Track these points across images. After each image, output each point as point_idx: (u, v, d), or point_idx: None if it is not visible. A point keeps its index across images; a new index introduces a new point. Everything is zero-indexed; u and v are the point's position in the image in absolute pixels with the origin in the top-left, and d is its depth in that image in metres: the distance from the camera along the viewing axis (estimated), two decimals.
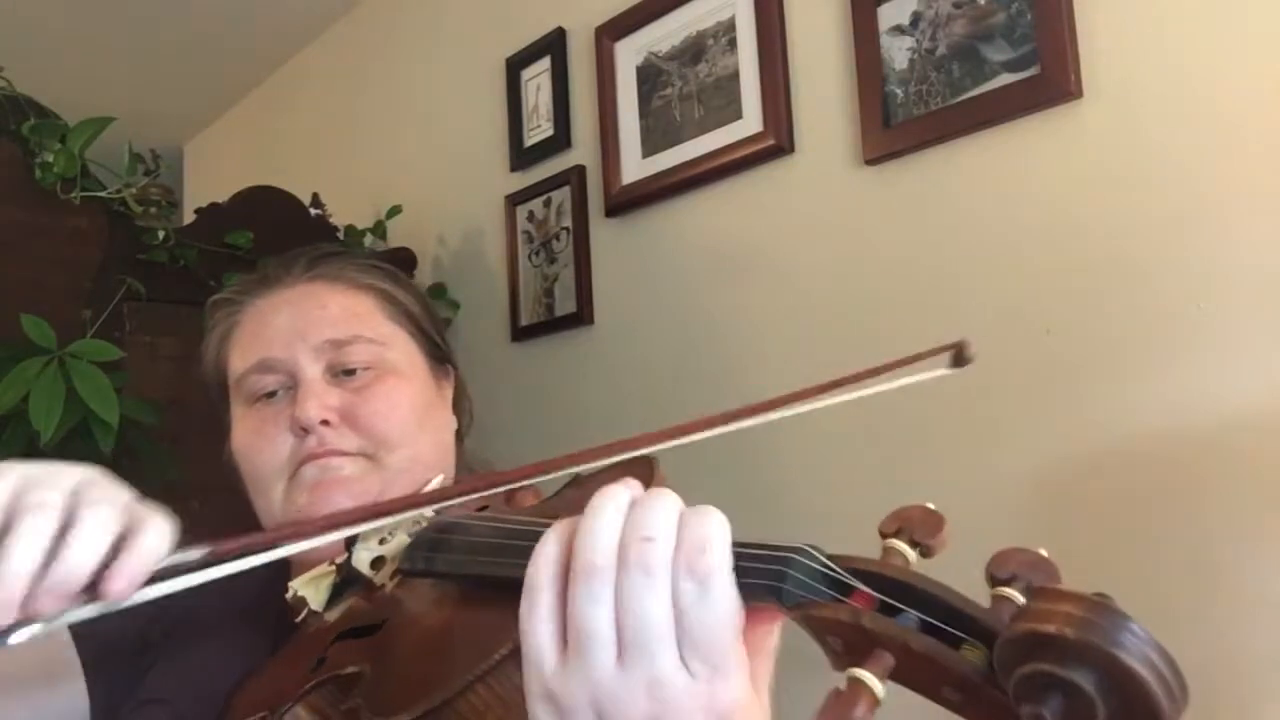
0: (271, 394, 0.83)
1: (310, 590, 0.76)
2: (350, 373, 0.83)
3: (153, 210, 1.88)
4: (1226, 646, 1.11)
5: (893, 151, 1.45)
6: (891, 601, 0.42)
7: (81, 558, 0.48)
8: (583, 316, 1.93)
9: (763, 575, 0.44)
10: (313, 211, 2.31)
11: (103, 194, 1.82)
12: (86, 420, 1.59)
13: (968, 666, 0.40)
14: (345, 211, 2.35)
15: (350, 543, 0.73)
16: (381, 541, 0.72)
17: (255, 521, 0.84)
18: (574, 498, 0.69)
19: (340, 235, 2.27)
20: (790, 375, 1.60)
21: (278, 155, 3.00)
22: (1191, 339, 1.17)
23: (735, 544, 0.45)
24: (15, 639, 0.48)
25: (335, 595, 0.77)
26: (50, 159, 1.74)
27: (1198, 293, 1.17)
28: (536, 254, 2.06)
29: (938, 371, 0.68)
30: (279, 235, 2.04)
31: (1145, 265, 1.22)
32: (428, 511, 0.70)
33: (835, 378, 0.62)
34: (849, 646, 0.42)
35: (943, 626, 0.41)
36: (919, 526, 0.46)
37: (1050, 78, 1.28)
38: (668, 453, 0.64)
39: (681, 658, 0.43)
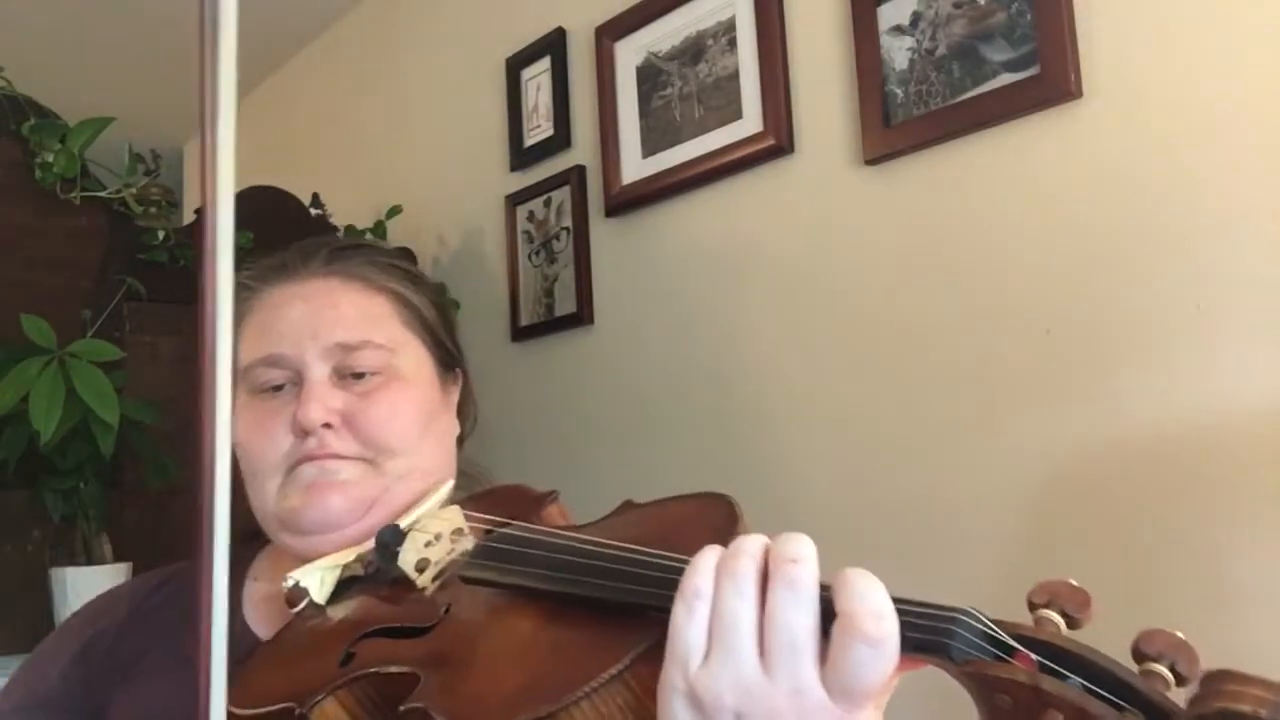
0: (277, 387, 0.82)
1: (313, 581, 0.75)
2: (358, 376, 0.82)
3: (153, 210, 1.88)
4: (1226, 645, 1.11)
5: (893, 151, 1.45)
6: (1054, 666, 0.45)
7: None
8: (583, 316, 1.93)
9: (930, 631, 0.47)
10: (313, 211, 2.31)
11: (103, 194, 1.82)
12: (86, 420, 1.59)
13: None
14: (345, 211, 2.35)
15: (382, 543, 0.72)
16: (428, 544, 0.72)
17: (248, 509, 0.83)
18: (649, 522, 0.69)
19: (340, 235, 2.27)
20: (790, 374, 1.60)
21: (278, 155, 3.00)
22: (1191, 339, 1.17)
23: (898, 600, 0.48)
24: None
25: (339, 590, 0.76)
26: (50, 159, 1.74)
27: (1197, 292, 1.17)
28: (536, 254, 2.06)
29: None
30: (279, 235, 2.03)
31: (1145, 265, 1.22)
32: (458, 517, 0.70)
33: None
34: (1019, 706, 0.45)
35: (1106, 694, 0.44)
36: (1068, 600, 0.49)
37: (1050, 78, 1.28)
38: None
39: (826, 685, 0.47)
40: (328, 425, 0.79)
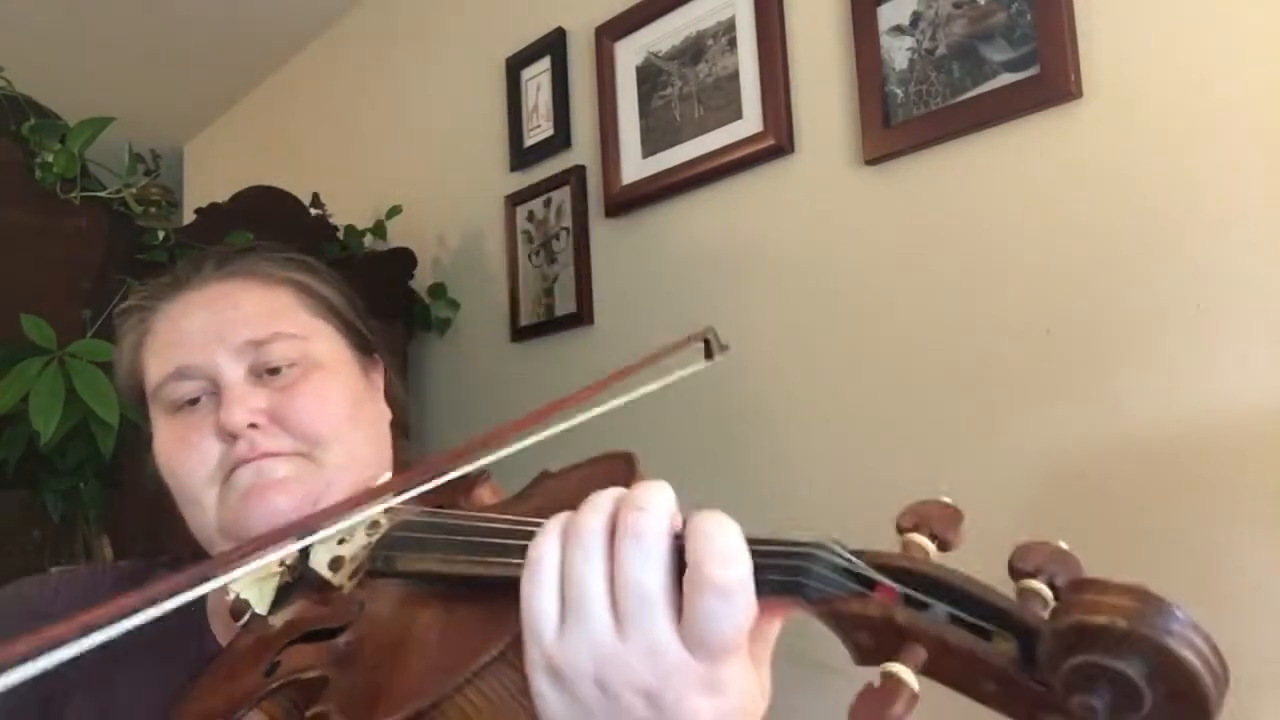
0: (194, 401, 0.78)
1: (254, 592, 0.72)
2: (274, 371, 0.78)
3: (153, 210, 1.88)
4: (1225, 645, 1.11)
5: (893, 151, 1.45)
6: (918, 595, 0.42)
7: None
8: (583, 316, 1.93)
9: (783, 571, 0.44)
10: (313, 211, 2.31)
11: (103, 194, 1.82)
12: (86, 420, 1.59)
13: (1003, 659, 0.40)
14: (345, 211, 2.35)
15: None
16: (340, 542, 0.69)
17: (185, 529, 0.81)
18: (551, 493, 0.67)
19: (340, 235, 2.27)
20: (790, 374, 1.60)
21: (278, 155, 3.00)
22: (1191, 339, 1.17)
23: (752, 540, 0.45)
24: None
25: (280, 597, 0.73)
26: (50, 159, 1.74)
27: (1197, 292, 1.17)
28: (536, 254, 2.06)
29: (694, 367, 0.68)
30: (279, 235, 2.02)
31: (1145, 265, 1.22)
32: (377, 510, 0.67)
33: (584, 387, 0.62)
34: (879, 642, 0.42)
35: (973, 620, 0.41)
36: (937, 521, 0.46)
37: (1050, 78, 1.28)
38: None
39: (683, 639, 0.44)
40: (254, 426, 0.76)
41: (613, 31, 1.89)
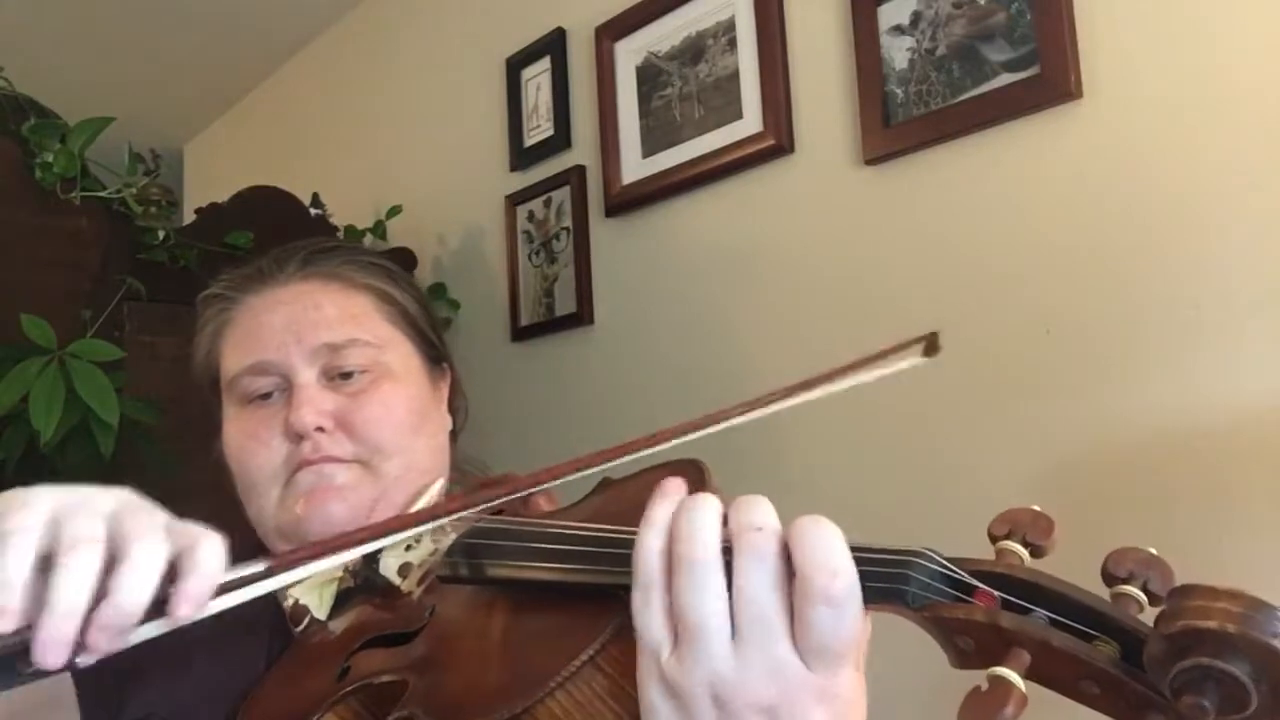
0: (266, 395, 0.81)
1: (313, 598, 0.74)
2: (347, 376, 0.81)
3: (153, 210, 1.88)
4: None
5: (893, 151, 1.45)
6: (1017, 600, 0.43)
7: (137, 595, 0.47)
8: (583, 316, 1.93)
9: (886, 579, 0.45)
10: (313, 211, 2.31)
11: (103, 194, 1.82)
12: (86, 420, 1.59)
13: (1107, 661, 0.41)
14: (345, 211, 2.35)
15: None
16: (408, 548, 0.70)
17: (244, 521, 0.82)
18: (620, 498, 0.67)
19: (340, 235, 2.27)
20: (790, 375, 1.60)
21: (278, 155, 3.00)
22: (1190, 339, 1.17)
23: (854, 548, 0.46)
24: (82, 661, 0.47)
25: (339, 603, 0.75)
26: (50, 159, 1.74)
27: (1197, 293, 1.17)
28: (536, 254, 2.06)
29: (911, 361, 0.69)
30: (279, 235, 2.03)
31: (1145, 265, 1.22)
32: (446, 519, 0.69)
33: (811, 376, 0.63)
34: (982, 646, 0.43)
35: (1075, 624, 0.42)
36: (1030, 527, 0.48)
37: (1050, 78, 1.28)
38: (661, 459, 0.64)
39: (800, 653, 0.45)
40: (321, 429, 0.78)
41: (613, 31, 1.89)
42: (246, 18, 2.68)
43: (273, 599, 0.83)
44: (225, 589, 0.50)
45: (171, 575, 0.48)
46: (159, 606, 0.48)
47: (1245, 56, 1.15)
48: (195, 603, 0.48)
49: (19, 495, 0.49)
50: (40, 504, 0.48)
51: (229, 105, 3.26)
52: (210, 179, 3.28)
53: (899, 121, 1.44)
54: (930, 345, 0.66)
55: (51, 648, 0.45)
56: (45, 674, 0.46)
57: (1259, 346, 1.13)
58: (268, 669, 0.75)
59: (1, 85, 1.77)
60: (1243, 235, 1.14)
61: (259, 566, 0.52)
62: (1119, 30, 1.25)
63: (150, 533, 0.49)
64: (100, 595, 0.46)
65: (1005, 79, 1.33)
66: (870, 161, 1.48)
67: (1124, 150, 1.24)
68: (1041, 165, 1.31)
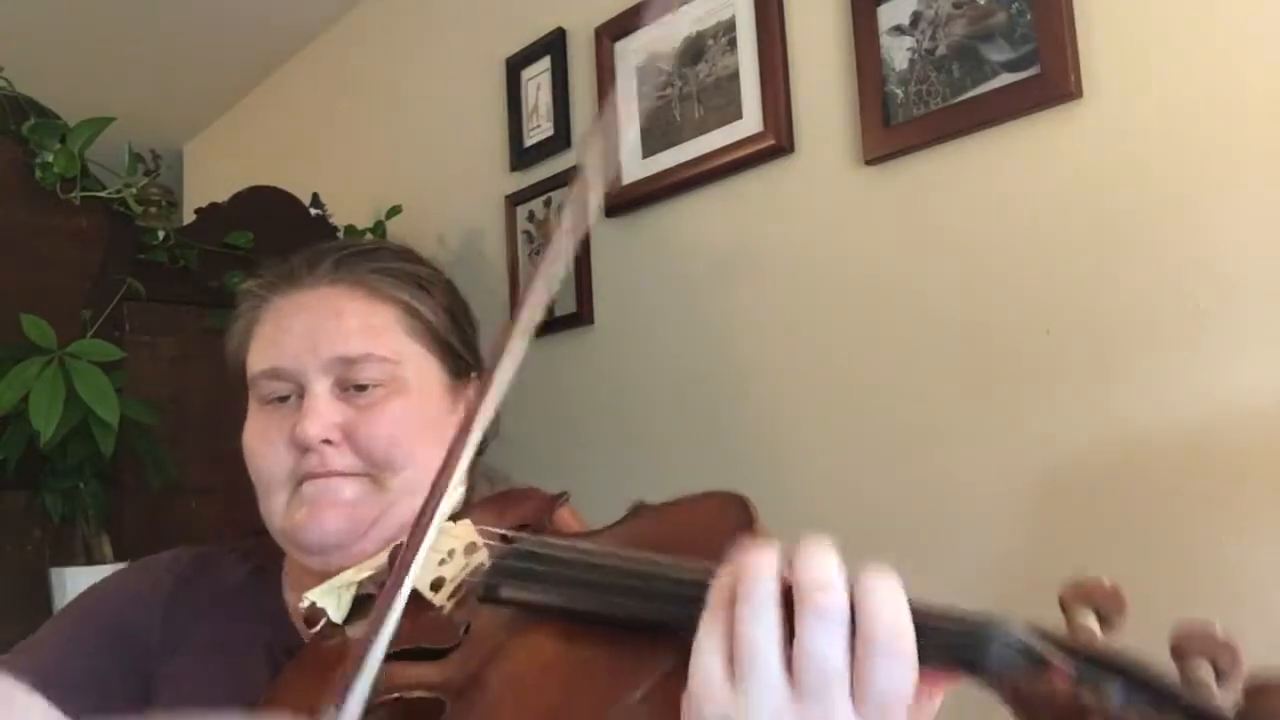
0: (284, 398, 0.82)
1: (330, 601, 0.74)
2: (361, 388, 0.81)
3: (153, 210, 1.88)
4: None
5: (893, 151, 1.45)
6: (1094, 676, 0.43)
7: None
8: (583, 316, 1.93)
9: (966, 647, 0.45)
10: (313, 211, 2.31)
11: (103, 194, 1.82)
12: (86, 420, 1.59)
13: None
14: (345, 211, 2.35)
15: (394, 559, 0.70)
16: (441, 562, 0.70)
17: (246, 520, 0.83)
18: (663, 528, 0.67)
19: (340, 235, 2.27)
20: (790, 375, 1.60)
21: (278, 155, 3.00)
22: (1191, 339, 1.17)
23: (922, 610, 0.46)
24: None
25: (357, 608, 0.74)
26: (50, 159, 1.74)
27: (1197, 292, 1.17)
28: (537, 254, 2.06)
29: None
30: (279, 235, 2.04)
31: (1145, 265, 1.22)
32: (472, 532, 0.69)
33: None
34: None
35: (1151, 704, 0.42)
36: (1102, 600, 0.48)
37: (1050, 78, 1.28)
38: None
39: (855, 705, 0.45)
40: (328, 441, 0.78)
41: (613, 31, 1.89)
42: (246, 18, 2.68)
43: (276, 607, 0.84)
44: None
45: None
46: None
47: (1245, 56, 1.15)
48: None
49: None
50: None
51: (229, 105, 3.26)
52: (210, 179, 3.28)
53: (899, 121, 1.44)
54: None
55: None
56: None
57: (1260, 346, 1.13)
58: (273, 676, 0.75)
59: (1, 85, 1.77)
60: (1243, 235, 1.14)
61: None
62: (1119, 30, 1.25)
63: None
64: None
65: (1005, 79, 1.33)
66: (870, 161, 1.48)
67: (1124, 150, 1.24)
68: (1041, 165, 1.31)
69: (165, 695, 0.80)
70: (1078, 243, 1.28)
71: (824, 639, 0.46)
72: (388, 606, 0.54)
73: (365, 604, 0.74)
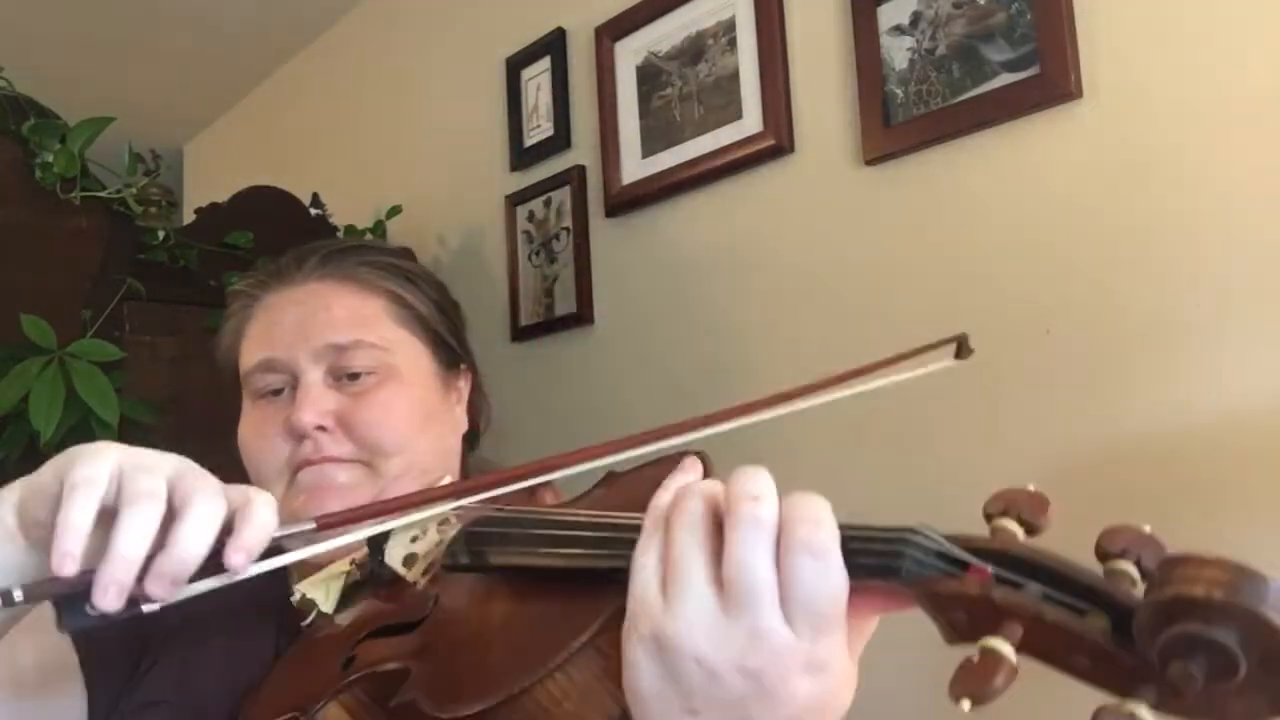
0: (277, 391, 0.84)
1: (320, 593, 0.76)
2: (354, 376, 0.83)
3: (153, 210, 1.88)
4: None
5: (893, 151, 1.45)
6: (1011, 575, 0.44)
7: (194, 547, 0.51)
8: (583, 316, 1.93)
9: (880, 555, 0.46)
10: (313, 211, 2.31)
11: (103, 194, 1.82)
12: (86, 420, 1.59)
13: (1098, 633, 0.41)
14: (345, 211, 2.35)
15: (372, 543, 0.73)
16: (414, 539, 0.72)
17: None
18: (626, 490, 0.69)
19: (340, 235, 2.27)
20: (790, 375, 1.60)
21: (278, 155, 3.00)
22: (1191, 339, 1.17)
23: (847, 526, 0.47)
24: (146, 608, 0.51)
25: (345, 598, 0.77)
26: (50, 159, 1.74)
27: (1197, 293, 1.17)
28: (536, 254, 2.06)
29: (942, 364, 0.71)
30: (279, 235, 2.04)
31: (1145, 265, 1.22)
32: (448, 508, 0.70)
33: (844, 371, 0.65)
34: (974, 620, 0.43)
35: (1067, 597, 0.43)
36: (1025, 506, 0.49)
37: (1050, 78, 1.28)
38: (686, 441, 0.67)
39: (786, 616, 0.46)
40: (322, 428, 0.80)
41: (613, 31, 1.89)
42: (246, 18, 2.68)
43: (283, 594, 0.85)
44: (273, 550, 0.54)
45: (225, 534, 0.52)
46: (214, 563, 0.51)
47: (1245, 56, 1.15)
48: (249, 553, 0.52)
49: (87, 449, 0.54)
50: (107, 459, 0.53)
51: (229, 105, 3.26)
52: (210, 179, 3.28)
53: (899, 121, 1.44)
54: (961, 347, 0.68)
55: (109, 591, 0.49)
56: (109, 618, 0.50)
57: (1260, 346, 1.13)
58: (276, 661, 0.77)
59: (1, 85, 1.77)
60: (1244, 235, 1.14)
61: (308, 525, 0.56)
62: (1119, 30, 1.25)
63: (208, 490, 0.53)
64: (159, 547, 0.50)
65: (1005, 79, 1.33)
66: (870, 161, 1.48)
67: (1124, 150, 1.24)
68: (1041, 165, 1.31)
69: (169, 675, 0.80)
70: (1077, 242, 1.28)
71: (750, 546, 0.46)
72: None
73: (354, 593, 0.76)
